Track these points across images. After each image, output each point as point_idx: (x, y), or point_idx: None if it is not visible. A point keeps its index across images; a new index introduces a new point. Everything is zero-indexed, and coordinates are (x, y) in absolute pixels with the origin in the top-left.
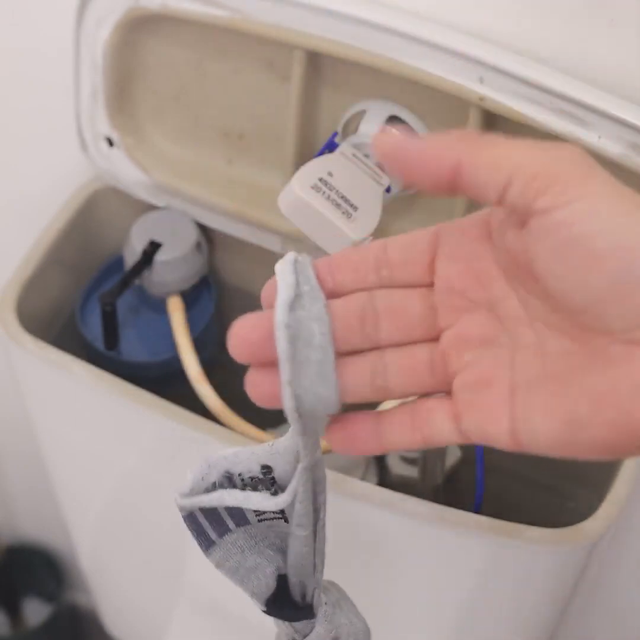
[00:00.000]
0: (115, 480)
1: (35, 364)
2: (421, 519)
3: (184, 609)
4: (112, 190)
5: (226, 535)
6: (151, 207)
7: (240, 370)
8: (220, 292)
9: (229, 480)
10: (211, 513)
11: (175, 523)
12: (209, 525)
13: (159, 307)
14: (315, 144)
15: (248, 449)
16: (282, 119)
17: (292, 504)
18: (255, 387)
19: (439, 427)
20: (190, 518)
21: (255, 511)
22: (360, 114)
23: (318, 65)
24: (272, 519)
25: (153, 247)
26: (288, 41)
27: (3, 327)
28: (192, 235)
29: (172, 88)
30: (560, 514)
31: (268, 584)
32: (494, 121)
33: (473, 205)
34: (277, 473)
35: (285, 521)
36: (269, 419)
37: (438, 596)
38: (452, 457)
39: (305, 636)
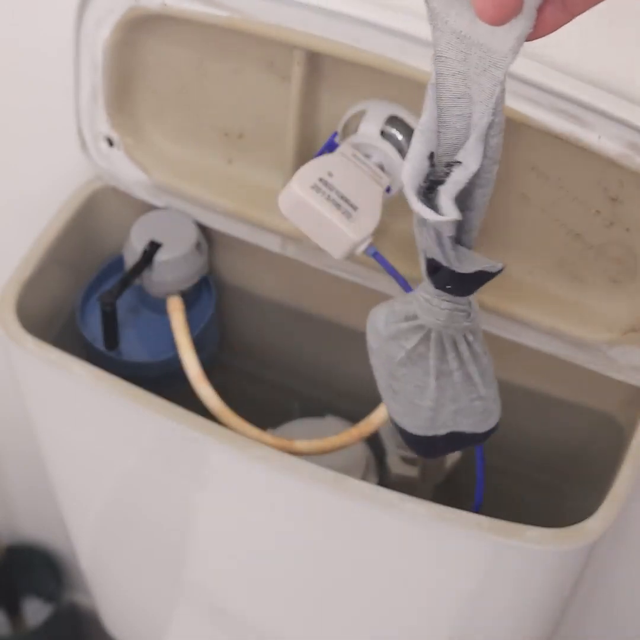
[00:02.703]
0: (115, 480)
1: (35, 364)
2: (421, 519)
3: (184, 609)
4: (112, 190)
5: None
6: (151, 207)
7: (240, 370)
8: (220, 292)
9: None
10: None
11: (175, 523)
12: None
13: (159, 307)
14: (315, 144)
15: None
16: (282, 119)
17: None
18: None
19: None
20: None
21: None
22: (360, 114)
23: (318, 65)
24: None
25: (153, 247)
26: (288, 41)
27: (3, 327)
28: (192, 235)
29: (172, 88)
30: (560, 514)
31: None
32: None
33: None
34: None
35: None
36: (269, 419)
37: (438, 596)
38: (452, 457)
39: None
